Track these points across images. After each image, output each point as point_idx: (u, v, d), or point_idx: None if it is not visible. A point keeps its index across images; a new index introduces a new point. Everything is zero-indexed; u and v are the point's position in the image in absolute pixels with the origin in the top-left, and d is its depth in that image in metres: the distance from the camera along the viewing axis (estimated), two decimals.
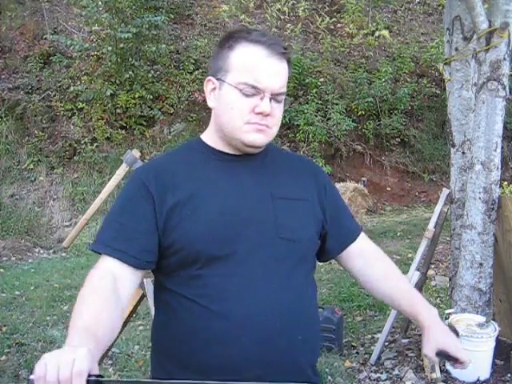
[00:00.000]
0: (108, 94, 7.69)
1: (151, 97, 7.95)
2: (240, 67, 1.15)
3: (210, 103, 1.22)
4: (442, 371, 3.05)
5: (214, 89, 1.21)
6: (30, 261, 6.59)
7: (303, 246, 1.22)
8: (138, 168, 1.30)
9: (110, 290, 1.10)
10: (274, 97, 1.16)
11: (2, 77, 8.44)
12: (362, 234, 1.36)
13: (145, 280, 1.79)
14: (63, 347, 0.96)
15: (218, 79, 1.19)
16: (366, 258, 1.34)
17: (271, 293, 1.14)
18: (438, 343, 1.20)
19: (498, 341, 2.98)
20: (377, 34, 9.81)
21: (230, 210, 1.16)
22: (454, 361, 1.19)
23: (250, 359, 1.11)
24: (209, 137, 1.27)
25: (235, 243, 1.13)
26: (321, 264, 4.60)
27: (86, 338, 1.02)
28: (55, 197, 7.75)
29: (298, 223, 1.21)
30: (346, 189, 6.98)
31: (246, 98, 1.15)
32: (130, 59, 7.83)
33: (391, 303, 1.37)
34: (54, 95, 8.15)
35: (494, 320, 3.12)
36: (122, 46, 7.63)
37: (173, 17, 8.75)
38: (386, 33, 9.81)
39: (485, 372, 2.97)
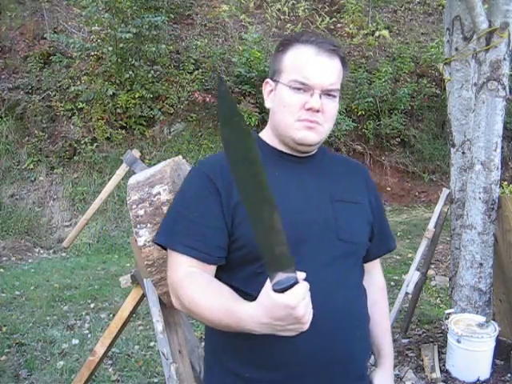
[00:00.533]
0: (109, 93, 7.68)
1: (151, 96, 7.95)
2: (291, 66, 1.20)
3: (267, 104, 1.28)
4: (441, 371, 3.06)
5: (271, 90, 1.26)
6: (30, 261, 6.59)
7: (360, 248, 1.27)
8: (201, 162, 1.29)
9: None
10: (324, 93, 1.18)
11: (2, 77, 8.44)
12: (378, 261, 1.43)
13: (145, 280, 1.79)
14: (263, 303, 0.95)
15: (274, 81, 1.25)
16: (372, 284, 1.38)
17: (332, 292, 1.17)
18: None
19: (498, 341, 2.98)
20: (377, 33, 9.80)
21: (294, 210, 1.17)
22: None
23: (313, 356, 1.14)
24: (267, 136, 1.30)
25: (298, 242, 1.14)
26: None
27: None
28: (55, 197, 7.75)
29: (355, 226, 1.25)
30: None
31: (296, 94, 1.18)
32: (130, 59, 7.82)
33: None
34: (54, 95, 8.15)
35: (494, 320, 3.12)
36: (122, 45, 7.62)
37: (173, 17, 8.74)
38: (386, 33, 9.81)
39: (485, 372, 2.97)
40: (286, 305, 0.90)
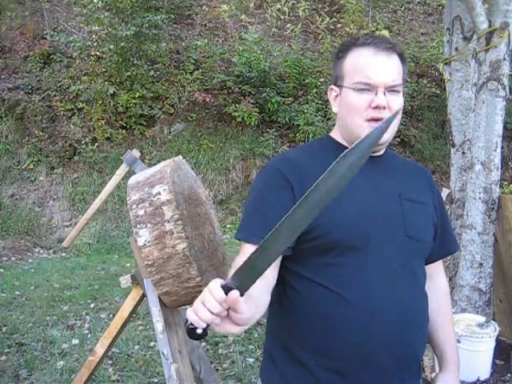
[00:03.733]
0: (110, 93, 7.68)
1: (151, 96, 7.94)
2: (352, 70, 1.25)
3: (334, 109, 1.34)
4: None
5: (337, 96, 1.31)
6: (30, 261, 6.59)
7: (426, 247, 1.31)
8: (274, 159, 1.34)
9: None
10: (388, 90, 1.23)
11: (2, 77, 8.43)
12: (440, 263, 1.44)
13: (145, 280, 1.79)
14: None
15: (337, 86, 1.31)
16: (434, 287, 1.40)
17: (399, 288, 1.21)
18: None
19: (498, 341, 2.98)
20: (377, 33, 9.80)
21: (366, 206, 1.23)
22: None
23: (379, 349, 1.18)
24: (338, 137, 1.35)
25: (369, 237, 1.20)
26: None
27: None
28: (55, 197, 7.75)
29: (422, 224, 1.30)
30: None
31: (361, 95, 1.23)
32: (131, 58, 7.82)
33: (430, 331, 1.40)
34: (54, 95, 8.14)
35: (494, 320, 3.12)
36: (122, 44, 7.62)
37: (173, 17, 8.74)
38: (386, 33, 9.79)
39: (485, 372, 2.97)
40: (209, 286, 0.95)
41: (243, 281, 0.96)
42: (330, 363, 1.20)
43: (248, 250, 1.20)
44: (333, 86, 1.33)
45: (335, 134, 1.37)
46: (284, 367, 1.26)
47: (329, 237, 1.18)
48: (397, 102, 1.25)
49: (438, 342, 1.41)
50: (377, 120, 1.22)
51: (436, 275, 1.42)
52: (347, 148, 1.22)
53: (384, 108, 1.22)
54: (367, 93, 1.23)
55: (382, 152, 1.33)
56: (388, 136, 1.26)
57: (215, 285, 0.94)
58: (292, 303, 1.24)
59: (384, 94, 1.22)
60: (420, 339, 1.27)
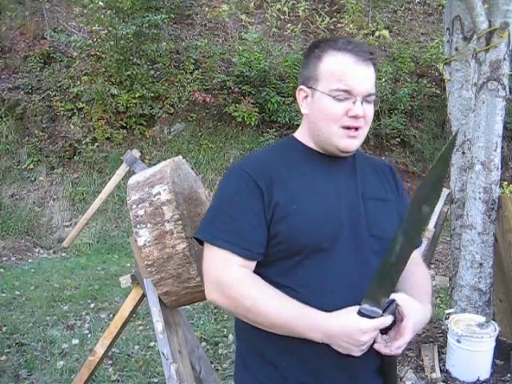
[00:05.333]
0: (111, 93, 7.67)
1: (152, 96, 7.94)
2: (330, 75, 1.24)
3: (303, 110, 1.33)
4: (441, 371, 3.06)
5: (306, 97, 1.30)
6: (30, 261, 6.59)
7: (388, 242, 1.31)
8: (241, 162, 1.34)
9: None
10: (364, 99, 1.25)
11: (2, 77, 8.43)
12: (417, 250, 1.44)
13: (145, 280, 1.79)
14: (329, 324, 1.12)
15: (309, 87, 1.29)
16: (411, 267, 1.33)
17: (359, 289, 1.19)
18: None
19: (497, 341, 2.98)
20: (377, 33, 9.79)
21: (330, 209, 1.25)
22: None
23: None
24: (303, 137, 1.35)
25: (334, 239, 1.22)
26: None
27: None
28: (55, 197, 7.75)
29: (386, 222, 1.30)
30: None
31: (339, 103, 1.23)
32: (132, 58, 7.82)
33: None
34: (54, 95, 8.14)
35: (493, 320, 3.12)
36: (122, 43, 7.61)
37: (173, 17, 8.74)
38: (386, 33, 9.80)
39: (485, 372, 2.97)
40: (360, 328, 1.09)
41: (381, 297, 1.09)
42: (301, 363, 1.22)
43: (222, 256, 1.20)
44: (303, 87, 1.30)
45: (300, 135, 1.36)
46: (256, 370, 1.28)
47: (294, 241, 1.20)
48: (371, 110, 1.27)
49: (414, 294, 1.30)
50: (352, 128, 1.24)
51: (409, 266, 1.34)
52: (314, 150, 1.31)
53: (360, 117, 1.24)
54: (345, 101, 1.23)
55: (348, 154, 1.33)
56: (359, 143, 1.28)
57: (378, 322, 1.09)
58: None
59: (361, 103, 1.24)
60: None
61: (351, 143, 1.26)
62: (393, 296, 1.17)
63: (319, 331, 1.13)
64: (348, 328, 1.10)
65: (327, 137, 1.27)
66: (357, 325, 1.09)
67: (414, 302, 1.21)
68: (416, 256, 1.42)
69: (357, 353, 1.11)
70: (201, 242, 1.29)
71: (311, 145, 1.32)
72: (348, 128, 1.25)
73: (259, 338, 1.26)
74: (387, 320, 1.10)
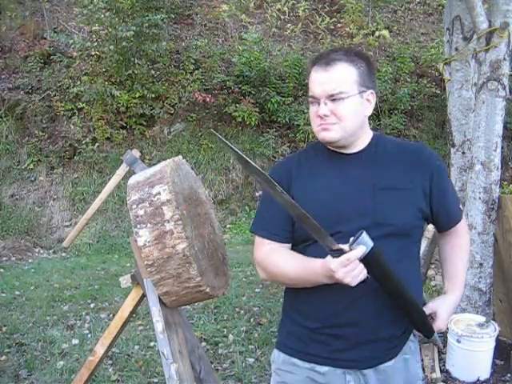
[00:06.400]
0: (111, 93, 7.67)
1: (152, 96, 7.94)
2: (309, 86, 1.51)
3: None
4: (441, 371, 3.06)
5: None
6: (30, 261, 6.59)
7: (402, 229, 1.45)
8: (272, 168, 1.67)
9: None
10: (330, 99, 1.43)
11: (2, 77, 8.43)
12: (463, 222, 1.66)
13: (145, 280, 1.79)
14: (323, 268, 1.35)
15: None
16: (453, 235, 1.65)
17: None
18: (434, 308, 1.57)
19: (497, 341, 2.98)
20: (377, 33, 9.79)
21: (336, 198, 1.46)
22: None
23: (343, 314, 1.47)
24: None
25: (339, 224, 1.42)
26: None
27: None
28: (55, 197, 7.75)
29: (395, 209, 1.45)
30: None
31: (312, 107, 1.49)
32: (132, 58, 7.82)
33: (442, 265, 1.71)
34: (54, 95, 8.14)
35: (494, 320, 3.12)
36: (123, 44, 7.61)
37: (173, 17, 8.74)
38: (386, 33, 9.80)
39: (485, 372, 2.98)
40: (328, 267, 1.31)
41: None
42: (319, 326, 1.50)
43: (260, 240, 1.55)
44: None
45: None
46: (289, 326, 1.59)
47: (302, 229, 1.39)
48: (341, 107, 1.43)
49: (448, 275, 1.65)
50: (322, 125, 1.46)
51: (456, 233, 1.64)
52: (329, 150, 1.54)
53: (327, 116, 1.44)
54: (315, 105, 1.47)
55: (360, 148, 1.52)
56: (337, 135, 1.45)
57: (344, 257, 1.28)
58: None
59: (325, 103, 1.43)
60: (388, 310, 1.46)
61: (325, 135, 1.47)
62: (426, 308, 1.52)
63: (321, 277, 1.37)
64: (326, 269, 1.33)
65: (315, 134, 1.51)
66: (327, 266, 1.31)
67: (442, 302, 1.58)
68: (462, 231, 1.67)
69: (352, 283, 1.30)
70: None
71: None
72: (321, 125, 1.47)
73: (290, 303, 1.60)
74: (354, 253, 1.27)
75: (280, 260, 1.49)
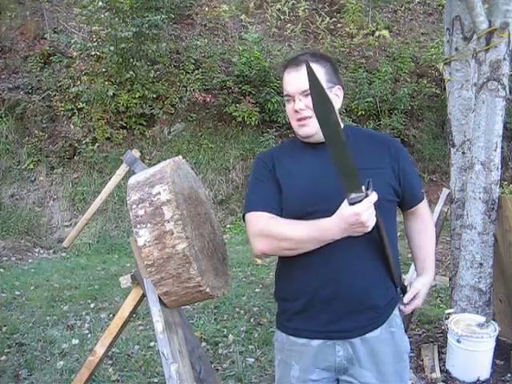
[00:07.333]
0: (110, 94, 7.67)
1: (152, 96, 7.94)
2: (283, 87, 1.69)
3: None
4: (441, 371, 3.06)
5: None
6: (30, 261, 6.60)
7: (381, 203, 1.53)
8: (260, 154, 1.82)
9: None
10: (303, 94, 1.60)
11: (2, 77, 8.43)
12: (424, 202, 1.81)
13: (145, 280, 1.79)
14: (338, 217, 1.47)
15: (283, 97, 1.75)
16: (417, 219, 1.82)
17: (338, 246, 1.54)
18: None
19: (497, 341, 2.98)
20: (377, 33, 9.79)
21: (313, 181, 1.61)
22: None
23: (323, 287, 1.60)
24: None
25: (316, 204, 1.57)
26: None
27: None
28: (55, 197, 7.75)
29: (374, 186, 1.52)
30: None
31: (288, 104, 1.67)
32: (131, 59, 7.82)
33: (412, 249, 1.88)
34: (54, 95, 8.14)
35: (494, 320, 3.12)
36: (123, 45, 7.61)
37: (173, 17, 8.73)
38: (386, 33, 9.80)
39: (485, 372, 2.98)
40: (355, 212, 1.39)
41: (357, 184, 1.42)
42: (306, 301, 1.63)
43: (257, 214, 1.63)
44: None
45: None
46: (281, 305, 1.74)
47: (288, 207, 1.61)
48: None
49: (418, 257, 1.83)
50: (300, 119, 1.63)
51: (418, 215, 1.81)
52: (304, 142, 1.71)
53: (302, 109, 1.61)
54: (291, 102, 1.65)
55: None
56: (314, 128, 1.59)
57: (366, 201, 1.40)
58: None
59: (300, 99, 1.61)
60: (370, 275, 1.60)
61: (305, 130, 1.65)
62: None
63: (335, 231, 1.47)
64: (348, 217, 1.41)
65: (294, 130, 1.69)
66: (352, 211, 1.39)
67: (419, 282, 1.77)
68: (423, 212, 1.82)
69: (368, 229, 1.44)
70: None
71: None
72: (299, 120, 1.64)
73: (279, 275, 1.73)
74: (373, 196, 1.40)
75: (285, 226, 1.57)
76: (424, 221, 1.83)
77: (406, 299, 1.73)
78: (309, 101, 1.54)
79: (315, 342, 1.63)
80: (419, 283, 1.77)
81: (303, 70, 1.53)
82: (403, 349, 1.70)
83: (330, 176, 1.55)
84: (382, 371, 1.63)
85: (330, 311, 1.59)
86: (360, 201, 1.40)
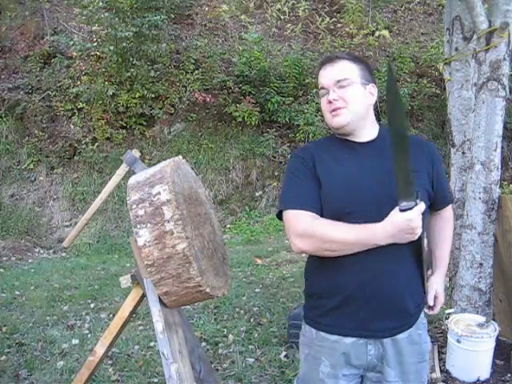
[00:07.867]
0: (110, 93, 7.67)
1: (152, 96, 7.94)
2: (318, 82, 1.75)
3: None
4: (441, 371, 3.06)
5: None
6: (30, 261, 6.60)
7: None
8: (297, 149, 1.82)
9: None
10: (336, 86, 1.65)
11: (2, 77, 8.43)
12: (450, 206, 1.88)
13: (145, 280, 1.79)
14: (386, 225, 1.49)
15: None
16: (442, 219, 1.86)
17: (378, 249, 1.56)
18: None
19: (497, 341, 2.98)
20: (377, 33, 9.79)
21: (353, 182, 1.62)
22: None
23: (361, 287, 1.61)
24: None
25: (352, 205, 1.59)
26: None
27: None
28: (55, 197, 7.75)
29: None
30: None
31: (323, 98, 1.70)
32: (131, 59, 7.82)
33: (431, 247, 1.89)
34: (54, 95, 8.14)
35: (494, 320, 3.12)
36: (123, 45, 7.61)
37: (173, 17, 8.73)
38: (386, 33, 9.80)
39: (485, 372, 2.97)
40: (408, 219, 1.42)
41: (408, 193, 1.44)
42: (344, 299, 1.64)
43: (298, 214, 1.61)
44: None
45: None
46: (313, 302, 1.74)
47: (325, 206, 1.62)
48: (347, 93, 1.64)
49: (436, 256, 1.85)
50: (333, 110, 1.66)
51: (444, 215, 1.86)
52: (341, 139, 1.73)
53: (336, 100, 1.64)
54: (325, 95, 1.68)
55: (369, 138, 1.71)
56: (346, 118, 1.65)
57: (417, 209, 1.43)
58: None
59: (333, 90, 1.65)
60: (405, 280, 1.62)
61: (336, 120, 1.66)
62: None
63: (383, 236, 1.49)
64: (400, 223, 1.44)
65: (328, 123, 1.71)
66: (405, 218, 1.43)
67: (436, 282, 1.77)
68: (449, 214, 1.89)
69: (416, 237, 1.47)
70: (280, 218, 1.69)
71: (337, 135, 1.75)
72: (333, 110, 1.66)
73: (313, 274, 1.74)
74: (422, 205, 1.43)
75: (329, 227, 1.57)
76: (449, 221, 1.89)
77: (429, 300, 1.75)
78: (342, 92, 1.63)
79: (348, 340, 1.65)
80: (436, 283, 1.78)
81: (338, 64, 1.67)
82: (425, 349, 1.75)
83: (366, 177, 1.61)
84: (405, 370, 1.67)
85: (368, 309, 1.61)
86: (410, 208, 1.43)
